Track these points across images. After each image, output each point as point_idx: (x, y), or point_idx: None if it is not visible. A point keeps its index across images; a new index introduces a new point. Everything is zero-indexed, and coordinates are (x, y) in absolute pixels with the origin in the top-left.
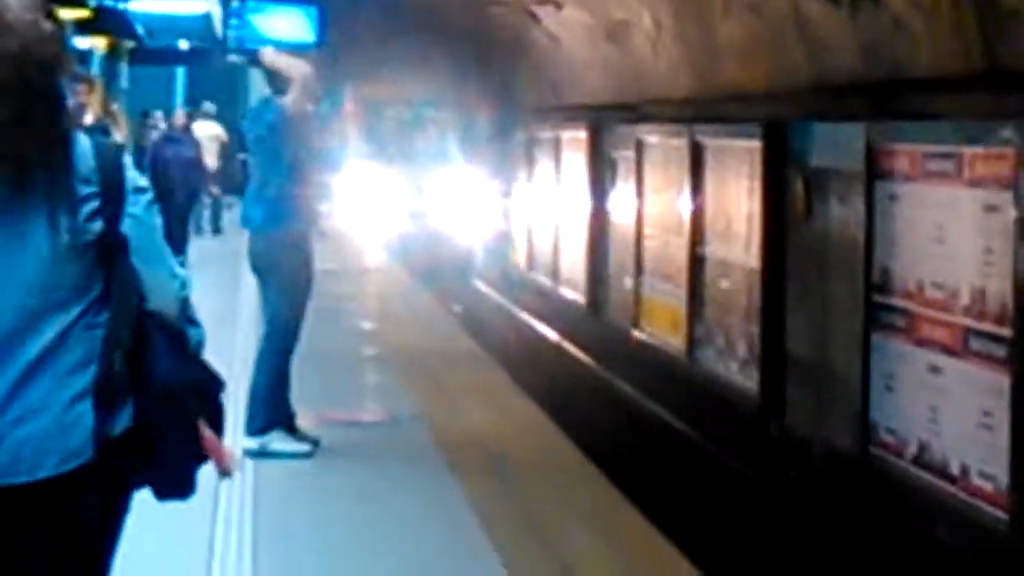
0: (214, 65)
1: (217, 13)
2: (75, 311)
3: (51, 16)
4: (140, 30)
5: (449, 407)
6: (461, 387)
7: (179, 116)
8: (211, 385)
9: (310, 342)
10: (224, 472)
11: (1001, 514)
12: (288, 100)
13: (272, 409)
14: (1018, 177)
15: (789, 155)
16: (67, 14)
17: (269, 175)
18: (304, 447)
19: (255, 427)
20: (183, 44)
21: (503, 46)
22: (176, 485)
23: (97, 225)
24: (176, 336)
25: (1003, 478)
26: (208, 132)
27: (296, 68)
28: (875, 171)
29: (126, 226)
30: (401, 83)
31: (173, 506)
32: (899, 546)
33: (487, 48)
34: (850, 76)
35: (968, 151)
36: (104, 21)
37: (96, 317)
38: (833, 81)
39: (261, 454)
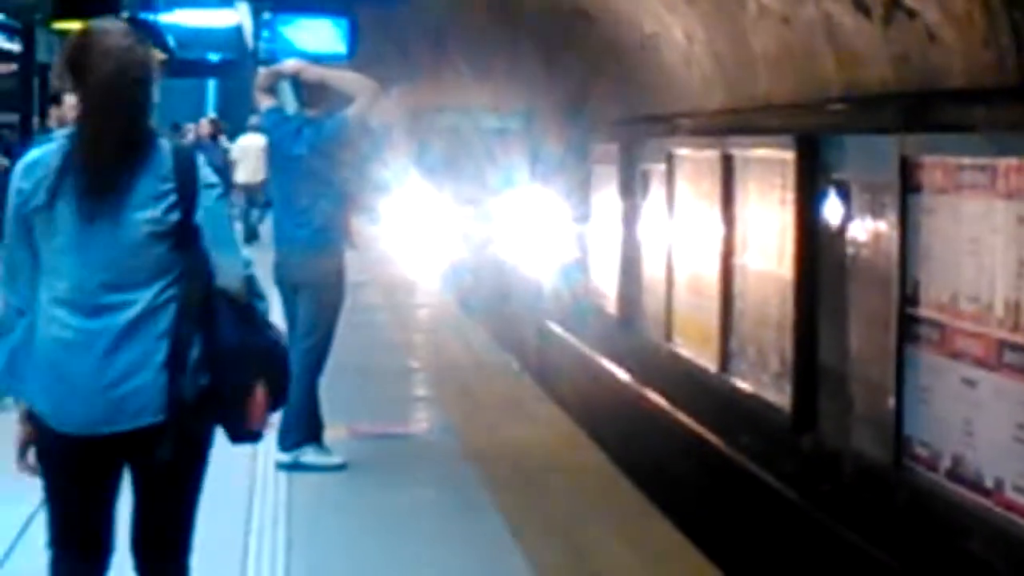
0: (245, 77)
1: (248, 25)
2: (157, 287)
3: (142, 42)
4: (171, 42)
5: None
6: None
7: (203, 126)
8: (275, 351)
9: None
10: (253, 433)
11: None
12: (351, 116)
13: (305, 424)
14: None
15: (822, 167)
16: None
17: (317, 198)
18: (336, 460)
19: (289, 442)
20: (214, 56)
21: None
22: (247, 437)
23: (175, 216)
24: (242, 309)
25: None
26: (256, 143)
27: (357, 82)
28: (909, 183)
29: (199, 216)
30: (458, 88)
31: (210, 512)
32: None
33: (563, 47)
34: (883, 87)
35: (1003, 163)
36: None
37: (176, 293)
38: (866, 92)
39: (294, 467)
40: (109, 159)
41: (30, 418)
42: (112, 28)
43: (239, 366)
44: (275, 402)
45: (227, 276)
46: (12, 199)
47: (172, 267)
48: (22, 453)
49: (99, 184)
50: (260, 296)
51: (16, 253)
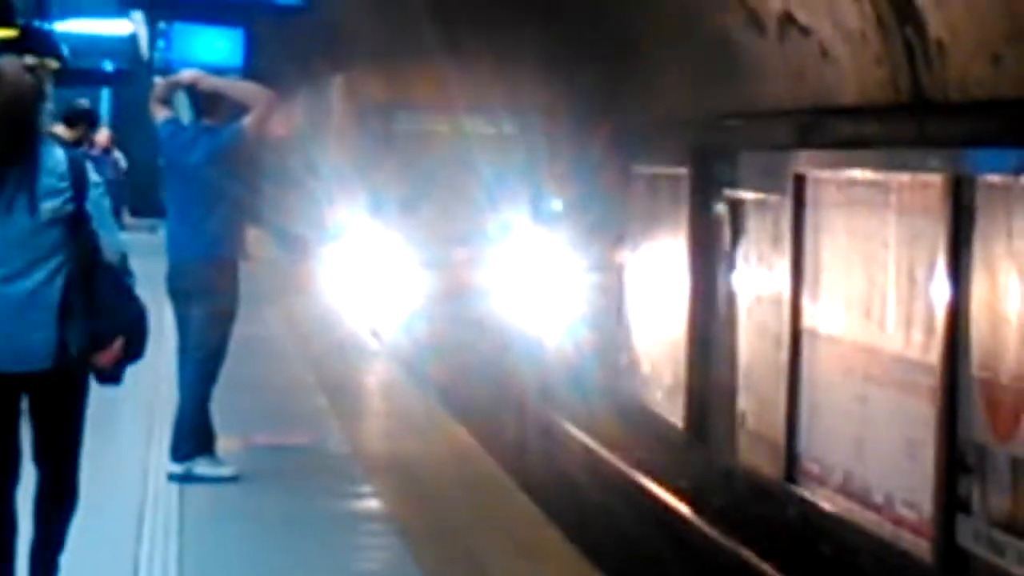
0: (140, 87)
1: (144, 34)
2: (55, 261)
3: (32, 72)
4: (65, 50)
5: None
6: None
7: (102, 136)
8: (139, 315)
9: None
10: (114, 376)
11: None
12: (246, 125)
13: (197, 436)
14: (945, 205)
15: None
16: None
17: (212, 208)
18: (228, 471)
19: (182, 453)
20: (108, 65)
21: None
22: (112, 379)
23: (70, 207)
24: (117, 280)
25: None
26: None
27: (253, 92)
28: (801, 199)
29: (88, 207)
30: (434, 77)
31: (101, 523)
32: None
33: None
34: (777, 104)
35: (895, 178)
36: (30, 40)
37: (68, 266)
38: (760, 109)
39: (186, 478)
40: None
41: None
42: (9, 66)
43: (110, 324)
44: (134, 355)
45: (109, 251)
46: None
47: (65, 245)
48: None
49: None
50: (130, 273)
51: None
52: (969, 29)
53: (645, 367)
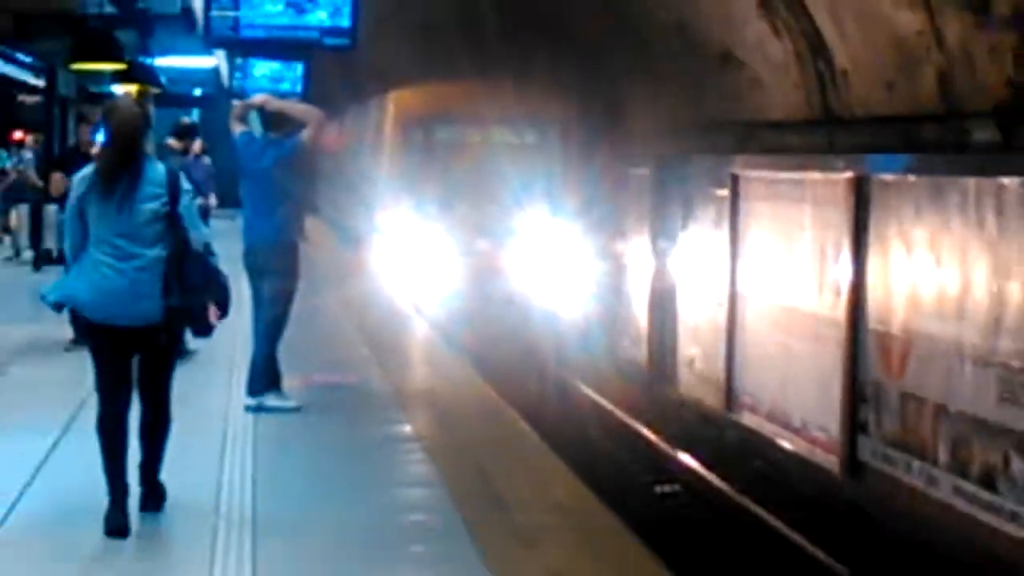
0: (221, 108)
1: (224, 67)
2: (158, 248)
3: (140, 103)
4: (163, 80)
5: None
6: None
7: (197, 145)
8: (222, 286)
9: None
10: (207, 331)
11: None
12: (304, 138)
13: (268, 375)
14: (849, 198)
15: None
16: (108, 67)
17: (277, 201)
18: (293, 403)
19: (255, 389)
20: (197, 91)
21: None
22: (204, 333)
23: (165, 208)
24: (206, 262)
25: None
26: None
27: (308, 112)
28: (737, 193)
29: (181, 209)
30: (467, 95)
31: (193, 446)
32: None
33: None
34: (719, 120)
35: (810, 177)
36: (136, 72)
37: (168, 251)
38: (707, 124)
39: (259, 409)
40: (115, 173)
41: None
42: (122, 99)
43: (200, 295)
44: (222, 314)
45: (196, 242)
46: (72, 196)
47: (164, 237)
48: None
49: (108, 188)
50: (214, 254)
51: (74, 224)
52: (869, 61)
53: (632, 331)
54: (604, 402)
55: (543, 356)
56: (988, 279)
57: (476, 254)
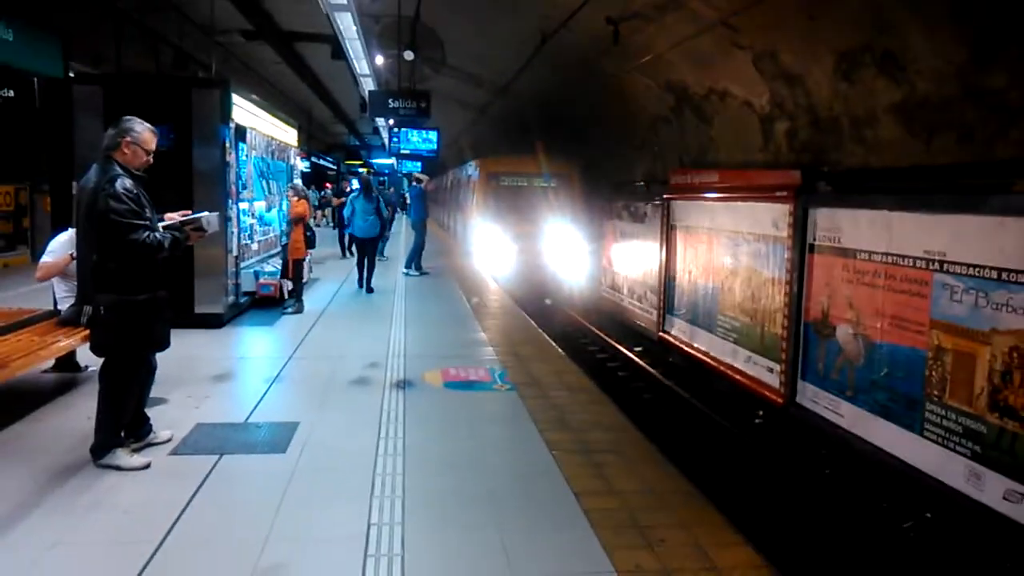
0: (395, 175)
1: (386, 135)
2: (374, 215)
3: (367, 173)
4: (375, 166)
5: None
6: None
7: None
8: (384, 223)
9: None
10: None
11: None
12: (424, 186)
13: (414, 263)
14: (659, 222)
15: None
16: (358, 162)
17: (423, 209)
18: (427, 274)
19: (407, 265)
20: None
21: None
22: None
23: (375, 203)
24: (384, 222)
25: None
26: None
27: (423, 179)
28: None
29: (381, 205)
30: (518, 159)
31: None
32: None
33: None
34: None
35: (648, 206)
36: (365, 164)
37: (377, 217)
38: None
39: (406, 275)
40: (365, 195)
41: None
42: (363, 173)
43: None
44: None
45: (384, 218)
46: (349, 205)
47: (376, 213)
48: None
49: (366, 198)
50: (383, 211)
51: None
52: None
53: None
54: (576, 316)
55: (553, 295)
56: None
57: (521, 243)
